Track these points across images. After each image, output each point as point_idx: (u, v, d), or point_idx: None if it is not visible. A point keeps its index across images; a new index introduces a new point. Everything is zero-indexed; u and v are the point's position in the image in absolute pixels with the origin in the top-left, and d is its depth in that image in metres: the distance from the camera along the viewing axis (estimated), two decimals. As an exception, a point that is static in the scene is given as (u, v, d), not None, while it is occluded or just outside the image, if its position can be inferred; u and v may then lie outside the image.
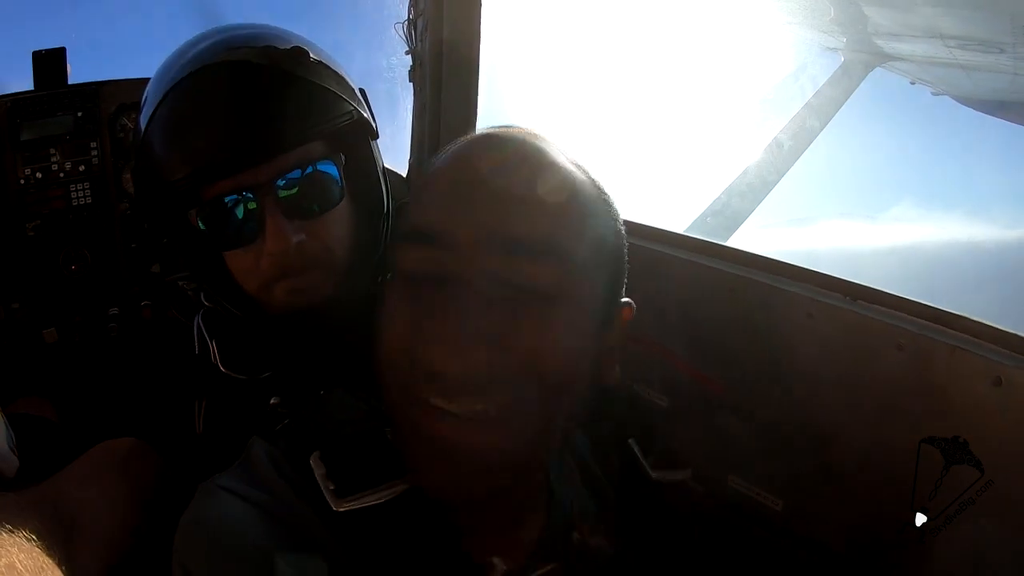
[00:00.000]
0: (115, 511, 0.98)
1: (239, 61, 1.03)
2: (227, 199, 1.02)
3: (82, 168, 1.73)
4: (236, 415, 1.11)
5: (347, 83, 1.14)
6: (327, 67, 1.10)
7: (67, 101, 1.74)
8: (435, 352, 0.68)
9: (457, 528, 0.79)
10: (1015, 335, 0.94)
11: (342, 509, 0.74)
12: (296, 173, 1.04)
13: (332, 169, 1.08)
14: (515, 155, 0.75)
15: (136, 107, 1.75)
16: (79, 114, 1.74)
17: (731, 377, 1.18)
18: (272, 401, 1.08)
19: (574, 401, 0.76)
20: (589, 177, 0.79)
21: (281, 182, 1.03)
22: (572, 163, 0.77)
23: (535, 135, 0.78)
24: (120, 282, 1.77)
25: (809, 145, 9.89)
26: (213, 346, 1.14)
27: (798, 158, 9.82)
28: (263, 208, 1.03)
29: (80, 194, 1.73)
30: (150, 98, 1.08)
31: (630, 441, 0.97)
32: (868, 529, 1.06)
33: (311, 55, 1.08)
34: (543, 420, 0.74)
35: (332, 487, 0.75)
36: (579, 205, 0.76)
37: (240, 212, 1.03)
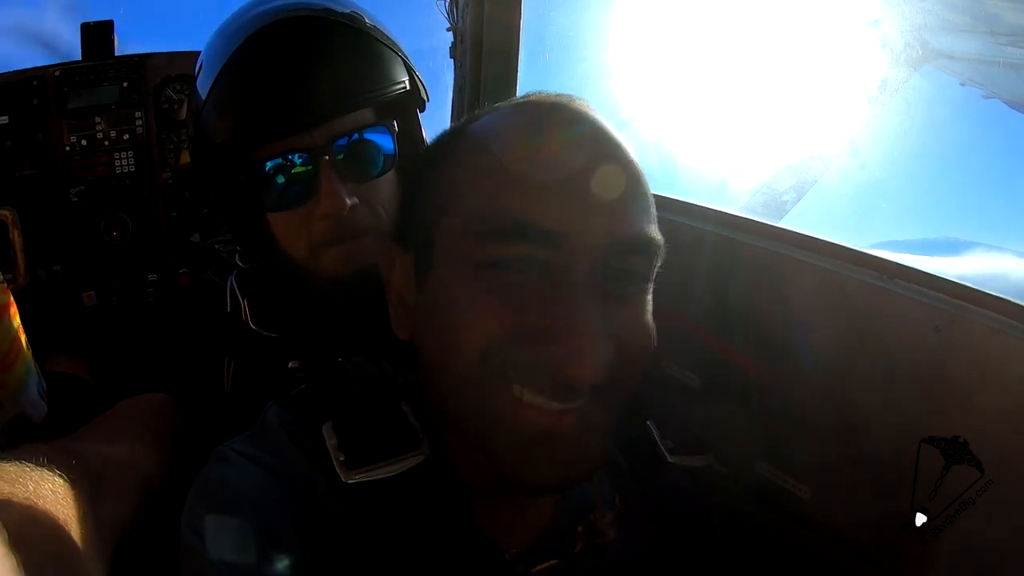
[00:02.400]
0: (141, 466, 0.99)
1: (306, 16, 1.03)
2: (281, 160, 1.02)
3: (126, 137, 1.77)
4: (263, 375, 1.12)
5: (402, 50, 1.13)
6: (383, 32, 1.11)
7: (113, 72, 1.79)
8: (555, 356, 0.65)
9: (469, 503, 0.78)
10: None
11: (351, 481, 0.74)
12: (350, 137, 1.04)
13: (386, 134, 1.07)
14: (604, 140, 0.73)
15: (180, 79, 1.81)
16: (125, 84, 1.78)
17: (762, 356, 1.16)
18: (290, 365, 1.08)
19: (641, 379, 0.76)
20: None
21: (337, 144, 1.02)
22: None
23: (587, 104, 0.77)
24: (160, 249, 1.81)
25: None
26: (245, 304, 1.15)
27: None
28: (318, 169, 1.02)
29: (124, 162, 1.78)
30: (208, 62, 1.07)
31: (648, 423, 0.95)
32: (898, 524, 1.01)
33: (367, 20, 1.08)
34: (624, 399, 0.74)
35: (342, 458, 0.75)
36: (648, 186, 0.76)
37: (292, 174, 1.03)
